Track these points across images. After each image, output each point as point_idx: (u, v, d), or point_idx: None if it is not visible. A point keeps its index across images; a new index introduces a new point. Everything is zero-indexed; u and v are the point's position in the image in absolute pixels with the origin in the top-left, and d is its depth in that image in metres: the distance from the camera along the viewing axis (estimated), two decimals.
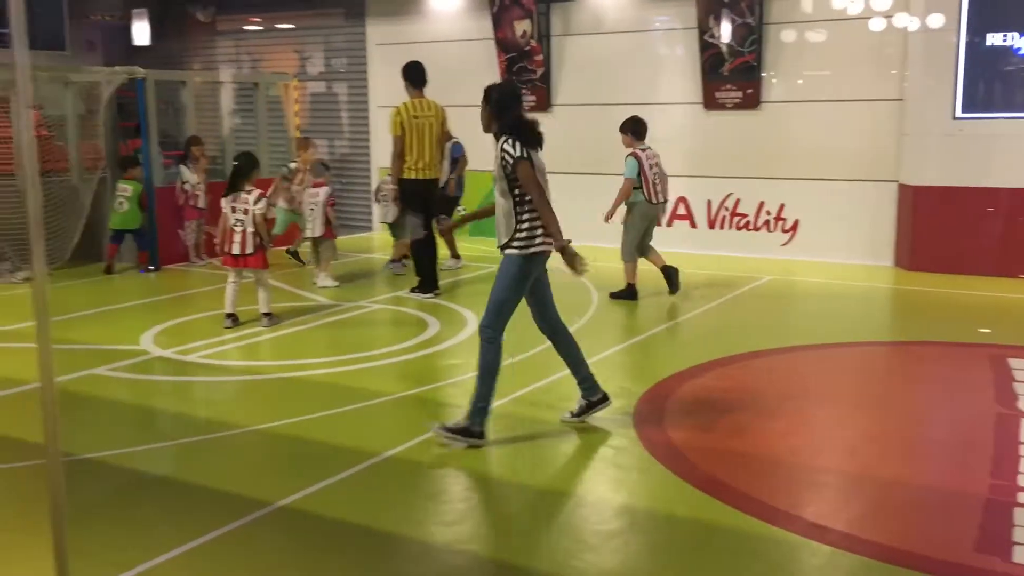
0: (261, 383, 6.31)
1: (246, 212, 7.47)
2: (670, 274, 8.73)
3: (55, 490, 2.64)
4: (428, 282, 8.92)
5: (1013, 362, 6.43)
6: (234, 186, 7.58)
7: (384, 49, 13.18)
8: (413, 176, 8.74)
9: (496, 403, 5.67)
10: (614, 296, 8.62)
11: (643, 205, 8.48)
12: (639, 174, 8.40)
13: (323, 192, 9.35)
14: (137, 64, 11.13)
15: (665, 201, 8.72)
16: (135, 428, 5.54)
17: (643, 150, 8.53)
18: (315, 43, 14.31)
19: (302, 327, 7.77)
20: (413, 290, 8.95)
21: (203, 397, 6.17)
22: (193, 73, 13.08)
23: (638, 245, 8.63)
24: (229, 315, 7.71)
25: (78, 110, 10.72)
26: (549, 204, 4.99)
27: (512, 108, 5.10)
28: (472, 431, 4.97)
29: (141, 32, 14.49)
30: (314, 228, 9.35)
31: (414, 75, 9.05)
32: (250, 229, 7.48)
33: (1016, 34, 9.28)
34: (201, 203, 10.77)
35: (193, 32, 15.16)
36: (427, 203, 8.78)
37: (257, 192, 7.60)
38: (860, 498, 4.42)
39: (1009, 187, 9.49)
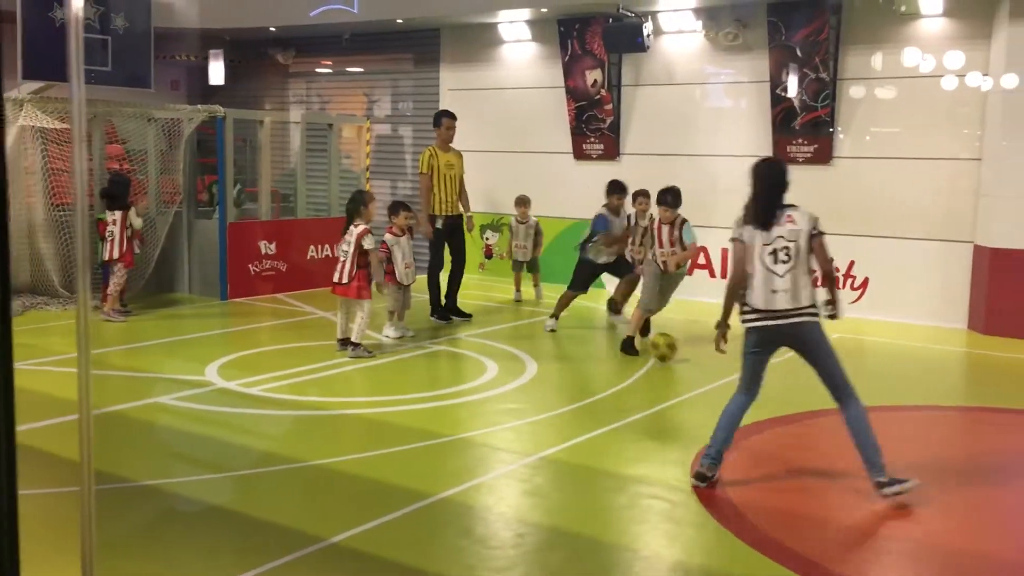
0: (321, 419, 6.37)
1: (350, 244, 7.96)
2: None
3: (86, 516, 2.70)
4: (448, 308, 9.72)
5: None
6: (348, 221, 8.13)
7: (457, 94, 13.40)
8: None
9: (551, 451, 5.65)
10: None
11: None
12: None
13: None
14: (215, 102, 11.49)
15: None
16: (193, 458, 5.62)
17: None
18: (385, 86, 14.62)
19: (363, 365, 7.83)
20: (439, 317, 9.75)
21: (263, 431, 6.24)
22: (269, 112, 13.45)
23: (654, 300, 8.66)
24: (340, 340, 8.17)
25: (160, 146, 11.09)
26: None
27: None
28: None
29: (217, 72, 14.97)
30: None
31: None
32: (349, 260, 7.93)
33: None
34: (137, 249, 9.93)
35: (268, 73, 15.62)
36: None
37: (363, 227, 8.00)
38: (924, 568, 4.26)
39: None
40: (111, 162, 11.08)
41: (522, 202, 11.22)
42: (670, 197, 8.43)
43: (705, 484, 5.05)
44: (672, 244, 8.42)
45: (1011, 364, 8.54)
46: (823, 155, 10.79)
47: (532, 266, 11.28)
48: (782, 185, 5.16)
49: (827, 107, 10.65)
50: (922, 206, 10.30)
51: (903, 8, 10.04)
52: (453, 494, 4.90)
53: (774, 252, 4.94)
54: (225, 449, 5.76)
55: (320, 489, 5.08)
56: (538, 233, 11.25)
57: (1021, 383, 7.80)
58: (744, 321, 5.06)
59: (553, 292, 11.82)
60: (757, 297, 4.96)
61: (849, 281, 10.86)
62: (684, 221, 8.42)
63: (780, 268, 4.92)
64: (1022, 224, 9.50)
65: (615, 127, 12.19)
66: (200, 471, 5.32)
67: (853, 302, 10.82)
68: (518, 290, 11.33)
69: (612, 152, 12.25)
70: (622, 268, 9.39)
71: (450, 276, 9.80)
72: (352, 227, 8.05)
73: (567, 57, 12.23)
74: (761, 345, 5.07)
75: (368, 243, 7.98)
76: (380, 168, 14.26)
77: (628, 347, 8.46)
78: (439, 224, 9.60)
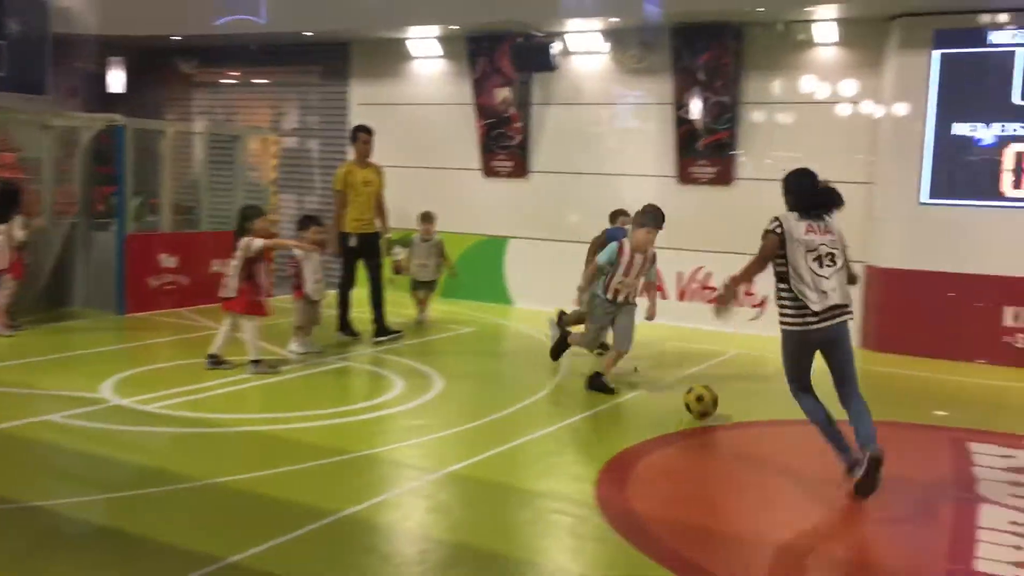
0: (220, 436, 6.21)
1: (234, 258, 7.81)
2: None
3: None
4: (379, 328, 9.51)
5: (972, 446, 6.47)
6: (236, 237, 7.93)
7: (367, 108, 13.31)
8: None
9: (456, 467, 5.64)
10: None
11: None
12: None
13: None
14: (114, 112, 11.16)
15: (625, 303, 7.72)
16: (82, 477, 5.41)
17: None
18: (293, 99, 14.40)
19: (265, 381, 7.68)
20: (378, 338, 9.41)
21: (158, 449, 6.05)
22: (172, 123, 13.13)
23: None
24: (209, 355, 7.92)
25: (55, 154, 10.70)
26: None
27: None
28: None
29: (117, 80, 14.52)
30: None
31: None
32: (236, 273, 7.76)
33: (981, 124, 9.54)
34: (27, 260, 9.51)
35: (171, 83, 15.23)
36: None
37: (247, 239, 7.80)
38: None
39: (971, 273, 9.66)
40: (1, 171, 10.64)
41: (426, 219, 10.87)
42: (661, 219, 7.60)
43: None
44: (637, 276, 7.66)
45: (897, 380, 8.88)
46: (724, 176, 11.09)
47: (430, 286, 10.98)
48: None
49: (728, 130, 10.95)
50: None
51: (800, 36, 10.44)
52: (356, 512, 4.83)
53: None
54: (116, 468, 5.56)
55: (217, 508, 4.94)
56: (441, 252, 10.99)
57: (912, 397, 8.13)
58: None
59: (458, 308, 11.84)
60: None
61: (749, 299, 11.14)
62: (654, 254, 7.78)
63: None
64: (910, 245, 9.94)
65: (524, 145, 12.30)
66: (89, 491, 5.12)
67: (752, 319, 11.10)
68: (422, 311, 10.88)
69: (521, 170, 12.35)
70: None
71: (371, 296, 9.51)
72: (241, 240, 7.85)
73: (477, 74, 12.29)
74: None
75: (257, 244, 7.77)
76: (288, 182, 14.04)
77: (598, 385, 7.63)
78: (352, 242, 9.42)
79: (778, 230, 5.37)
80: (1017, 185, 9.46)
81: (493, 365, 9.17)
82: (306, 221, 8.87)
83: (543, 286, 12.10)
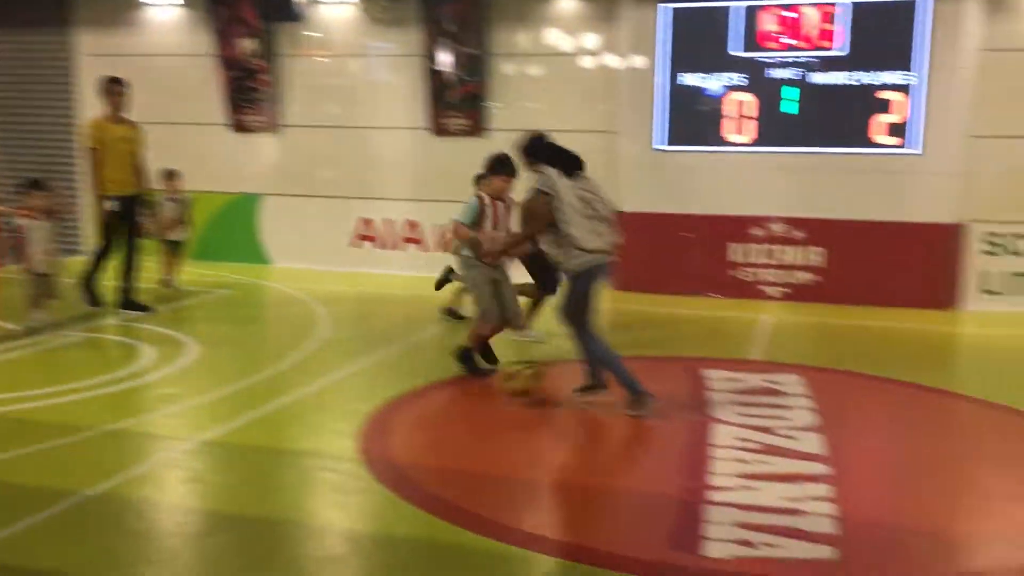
0: None
1: None
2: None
3: None
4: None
5: (705, 372, 7.08)
6: None
7: (97, 60, 12.31)
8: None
9: (212, 434, 5.50)
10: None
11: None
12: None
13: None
14: None
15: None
16: None
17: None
18: (4, 48, 13.07)
19: None
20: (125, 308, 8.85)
21: None
22: None
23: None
24: None
25: None
26: None
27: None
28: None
29: None
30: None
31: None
32: None
33: (704, 75, 10.31)
34: None
35: None
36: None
37: None
38: (570, 507, 4.68)
39: (702, 214, 10.47)
40: None
41: (171, 176, 10.16)
42: (512, 165, 6.80)
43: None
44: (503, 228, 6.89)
45: (640, 317, 9.51)
46: (475, 128, 11.29)
47: (178, 247, 10.26)
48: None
49: (479, 81, 11.13)
50: None
51: None
52: (105, 490, 4.59)
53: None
54: None
55: None
56: (187, 209, 10.32)
57: (655, 332, 8.74)
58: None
59: (212, 270, 11.38)
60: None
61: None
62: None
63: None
64: (648, 190, 10.62)
65: (274, 98, 11.89)
66: None
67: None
68: (168, 274, 10.19)
69: (273, 123, 11.95)
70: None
71: (125, 262, 8.84)
72: None
73: (219, 24, 11.70)
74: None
75: None
76: (8, 141, 12.80)
77: (468, 362, 6.89)
78: (111, 205, 8.63)
79: (549, 191, 5.87)
80: (738, 131, 10.31)
81: (251, 327, 8.92)
82: (33, 185, 8.12)
83: (302, 243, 11.88)
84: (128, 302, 8.89)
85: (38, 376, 6.74)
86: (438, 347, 7.93)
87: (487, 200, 6.87)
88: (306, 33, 11.77)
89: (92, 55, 12.43)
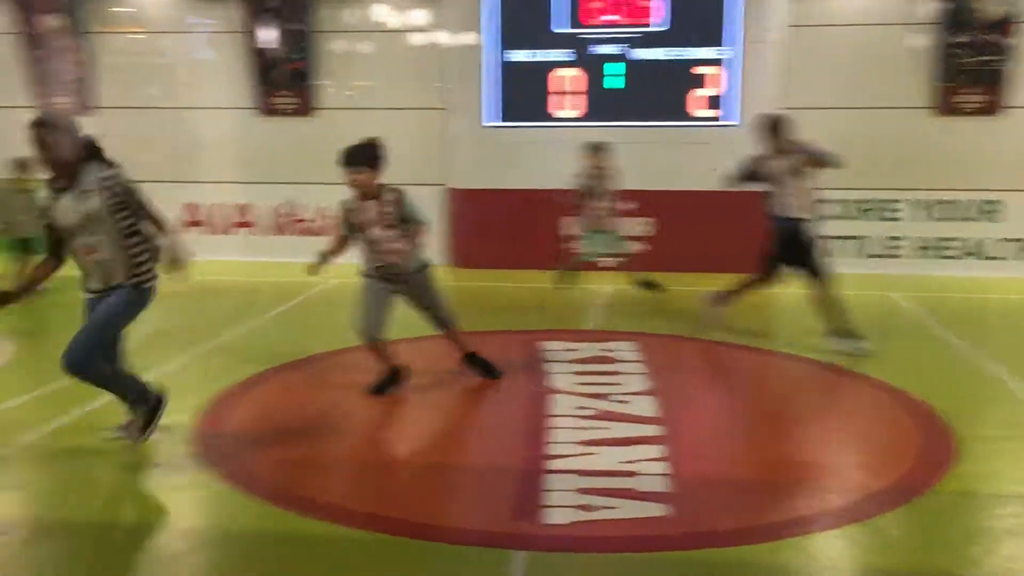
0: None
1: None
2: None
3: None
4: None
5: (542, 344, 7.23)
6: None
7: None
8: None
9: (35, 437, 5.19)
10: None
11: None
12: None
13: None
14: None
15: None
16: None
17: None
18: None
19: None
20: None
21: None
22: None
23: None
24: None
25: None
26: None
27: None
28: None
29: None
30: None
31: None
32: None
33: (528, 52, 10.46)
34: None
35: None
36: None
37: None
38: (412, 486, 4.69)
39: (531, 188, 10.65)
40: None
41: (21, 166, 9.08)
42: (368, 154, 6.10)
43: None
44: (388, 227, 5.96)
45: (482, 292, 9.61)
46: (304, 107, 11.03)
47: (30, 244, 9.01)
48: None
49: (304, 59, 10.87)
50: (400, 155, 10.99)
51: None
52: None
53: None
54: None
55: None
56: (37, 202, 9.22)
57: (490, 308, 8.84)
58: None
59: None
60: None
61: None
62: (399, 193, 6.10)
63: None
64: (478, 167, 10.70)
65: (84, 79, 11.21)
66: None
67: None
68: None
69: (82, 105, 11.27)
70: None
71: None
72: None
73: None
74: None
75: None
76: None
77: (478, 365, 6.35)
78: None
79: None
80: (560, 107, 10.53)
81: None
82: None
83: None
84: None
85: None
86: (272, 334, 7.74)
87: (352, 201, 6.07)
88: (116, 9, 11.15)
89: None
